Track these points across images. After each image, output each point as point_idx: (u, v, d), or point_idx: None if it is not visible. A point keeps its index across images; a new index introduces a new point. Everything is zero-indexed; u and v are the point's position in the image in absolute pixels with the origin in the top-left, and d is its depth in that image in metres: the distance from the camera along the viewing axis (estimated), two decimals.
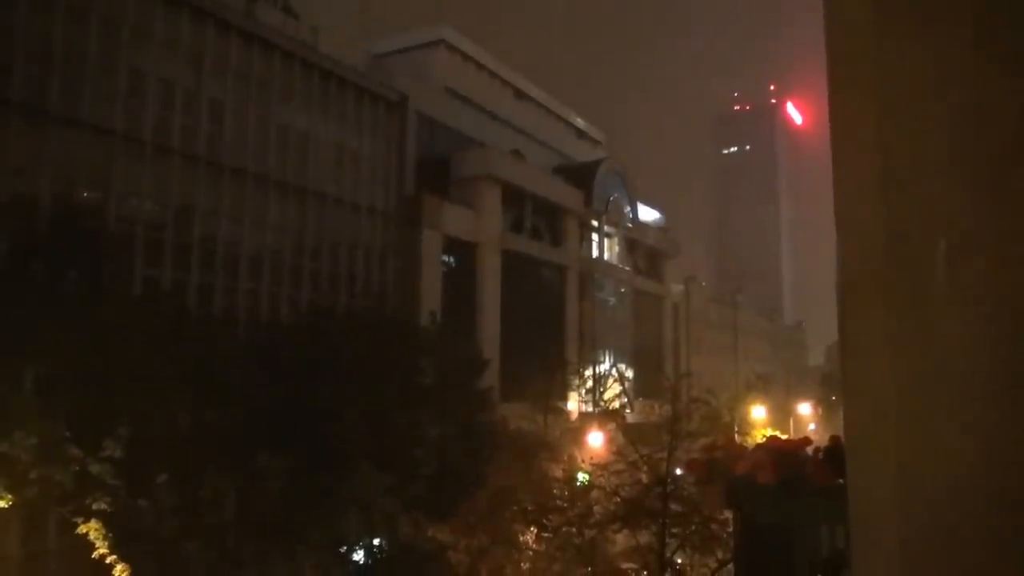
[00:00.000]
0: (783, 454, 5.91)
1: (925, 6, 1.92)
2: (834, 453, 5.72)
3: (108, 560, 16.86)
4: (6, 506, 16.34)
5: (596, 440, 31.74)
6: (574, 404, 46.97)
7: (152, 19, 28.69)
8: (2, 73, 24.05)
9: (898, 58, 1.93)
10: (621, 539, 20.57)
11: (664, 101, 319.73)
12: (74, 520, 17.31)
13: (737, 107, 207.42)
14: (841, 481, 3.98)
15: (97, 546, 16.84)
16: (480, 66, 53.33)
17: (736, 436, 29.44)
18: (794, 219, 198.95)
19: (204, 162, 30.51)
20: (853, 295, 2.15)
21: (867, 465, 2.12)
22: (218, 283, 30.92)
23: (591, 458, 25.19)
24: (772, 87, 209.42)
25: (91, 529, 16.94)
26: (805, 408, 73.95)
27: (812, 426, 75.59)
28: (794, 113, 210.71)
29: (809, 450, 6.35)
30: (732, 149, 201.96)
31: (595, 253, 55.05)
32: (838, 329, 2.33)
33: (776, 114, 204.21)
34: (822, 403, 74.02)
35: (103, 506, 16.92)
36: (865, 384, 2.15)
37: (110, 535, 16.88)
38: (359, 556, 24.99)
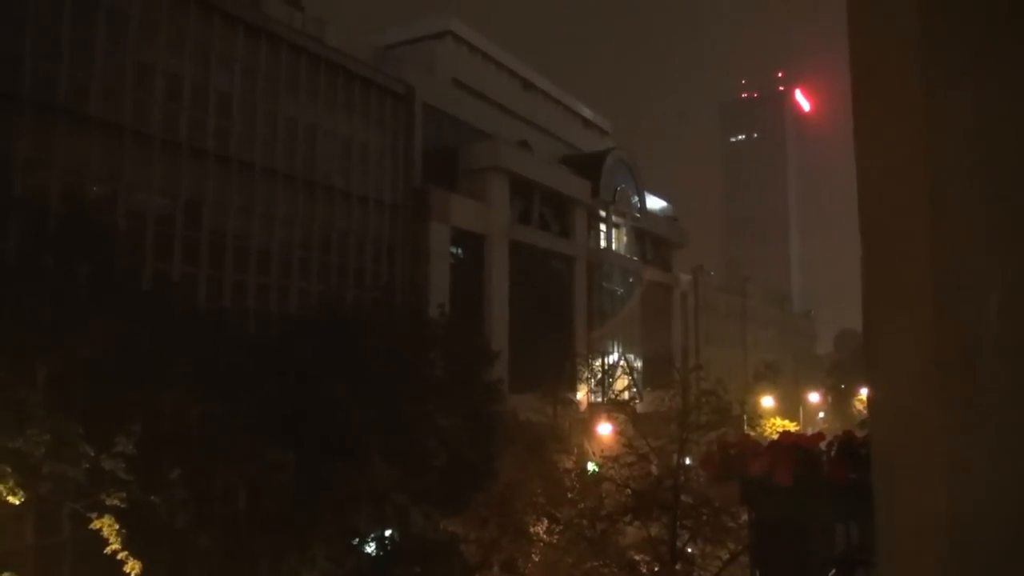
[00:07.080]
0: (797, 452, 5.84)
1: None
2: (847, 449, 5.64)
3: (120, 556, 16.91)
4: (19, 502, 16.40)
5: (605, 430, 31.74)
6: (583, 395, 46.97)
7: (158, 12, 28.66)
8: (11, 68, 24.07)
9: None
10: (632, 531, 20.60)
11: (671, 89, 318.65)
12: (88, 515, 17.39)
13: (745, 94, 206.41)
14: (853, 476, 4.07)
15: (110, 542, 16.90)
16: (487, 57, 53.15)
17: (746, 427, 29.39)
18: (803, 206, 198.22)
19: (212, 156, 30.52)
20: (878, 308, 2.14)
21: (893, 473, 2.13)
22: (227, 276, 30.95)
23: (601, 450, 25.19)
24: (780, 74, 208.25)
25: (104, 524, 17.00)
26: (814, 397, 73.84)
27: (821, 414, 75.45)
28: (802, 100, 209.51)
29: (823, 445, 6.27)
30: (740, 137, 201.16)
31: (603, 243, 54.96)
32: (863, 338, 2.32)
33: (784, 101, 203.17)
34: (831, 391, 73.88)
35: (116, 502, 16.98)
36: (889, 397, 2.16)
37: (123, 530, 16.95)
38: (371, 548, 25.07)
